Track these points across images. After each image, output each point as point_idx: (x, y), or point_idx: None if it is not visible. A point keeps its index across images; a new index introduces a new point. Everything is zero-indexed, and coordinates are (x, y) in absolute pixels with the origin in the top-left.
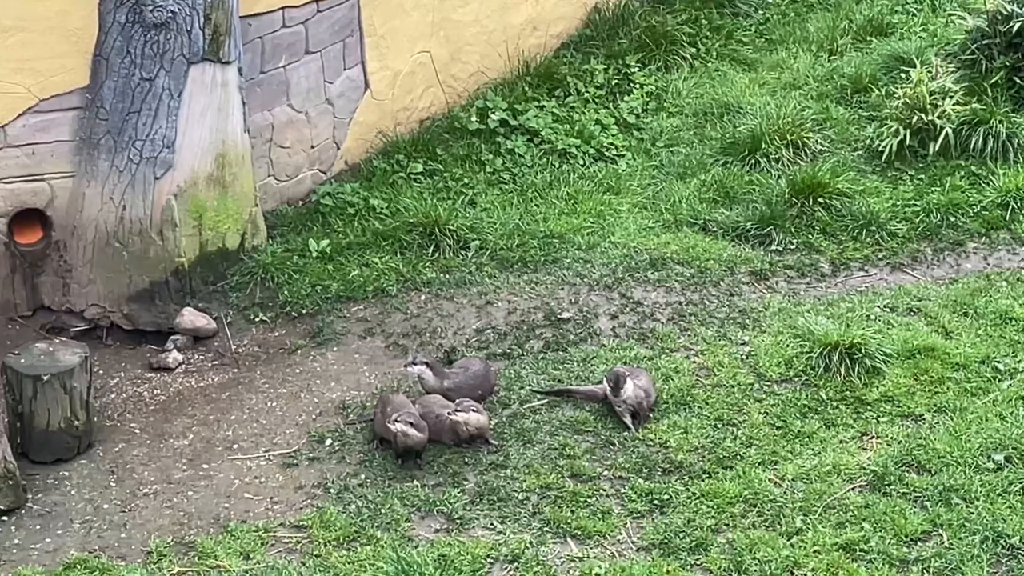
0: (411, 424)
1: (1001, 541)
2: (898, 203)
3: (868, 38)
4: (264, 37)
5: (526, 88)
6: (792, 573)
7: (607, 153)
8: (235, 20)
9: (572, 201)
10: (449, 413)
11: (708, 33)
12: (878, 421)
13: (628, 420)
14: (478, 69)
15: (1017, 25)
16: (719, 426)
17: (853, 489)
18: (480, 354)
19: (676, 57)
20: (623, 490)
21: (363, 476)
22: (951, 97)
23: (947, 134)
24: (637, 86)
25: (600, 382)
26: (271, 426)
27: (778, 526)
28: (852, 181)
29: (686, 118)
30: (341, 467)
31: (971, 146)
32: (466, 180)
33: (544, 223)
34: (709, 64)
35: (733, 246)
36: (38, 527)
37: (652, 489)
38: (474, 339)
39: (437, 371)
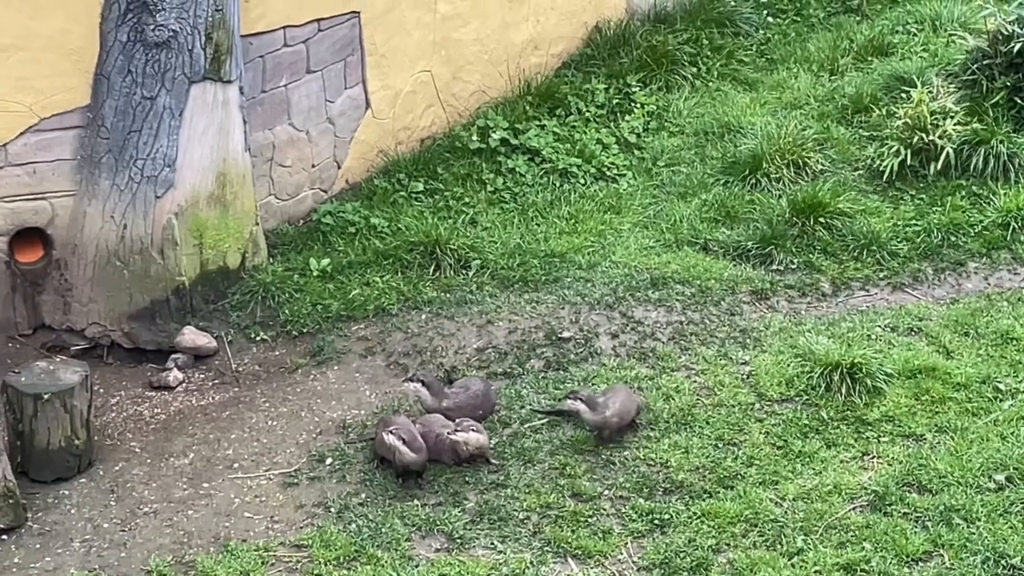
0: (403, 441)
1: (1002, 561)
2: (899, 223)
3: (869, 58)
4: (265, 56)
5: (527, 107)
6: None
7: (608, 172)
8: (236, 39)
9: (573, 220)
10: (449, 433)
11: (709, 53)
12: (879, 441)
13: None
14: (479, 88)
15: (1018, 46)
16: (720, 446)
17: (854, 509)
18: (481, 373)
19: (677, 76)
20: (624, 510)
21: (364, 495)
22: (952, 117)
23: (948, 154)
24: (638, 105)
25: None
26: (271, 445)
27: (779, 546)
28: (853, 201)
29: (687, 137)
30: (342, 486)
31: (972, 166)
32: (467, 199)
33: (545, 242)
34: (710, 84)
35: (734, 265)
36: (38, 546)
37: (653, 509)
38: (475, 358)
39: (434, 389)
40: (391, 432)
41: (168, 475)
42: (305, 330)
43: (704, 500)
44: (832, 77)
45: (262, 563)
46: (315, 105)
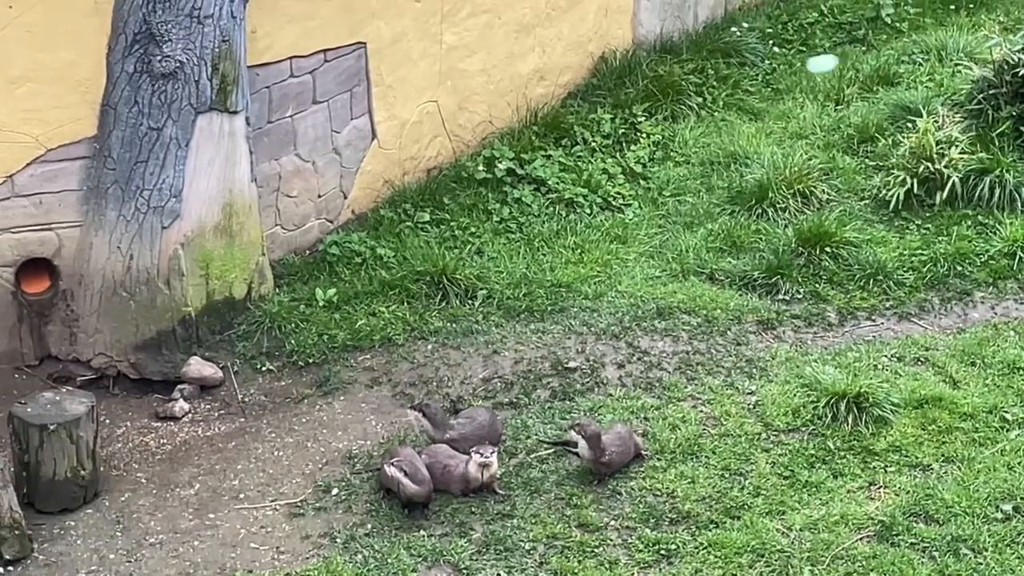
0: (405, 473)
1: None
2: (905, 252)
3: (875, 88)
4: (272, 87)
5: (533, 137)
6: None
7: (614, 202)
8: (243, 70)
9: (579, 250)
10: (473, 450)
11: (715, 83)
12: (886, 471)
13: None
14: (485, 118)
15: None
16: (726, 476)
17: (861, 539)
18: (487, 403)
19: (683, 106)
20: (630, 540)
21: (370, 526)
22: (957, 146)
23: (954, 183)
24: (644, 135)
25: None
26: (277, 475)
27: None
28: (859, 230)
29: (693, 167)
30: (348, 517)
31: (978, 195)
32: (473, 229)
33: (551, 272)
34: (716, 113)
35: (740, 295)
36: None
37: (659, 539)
38: (481, 388)
39: (436, 419)
40: (393, 464)
41: (174, 506)
42: (311, 360)
43: (711, 530)
44: (838, 107)
45: None
46: (321, 136)
